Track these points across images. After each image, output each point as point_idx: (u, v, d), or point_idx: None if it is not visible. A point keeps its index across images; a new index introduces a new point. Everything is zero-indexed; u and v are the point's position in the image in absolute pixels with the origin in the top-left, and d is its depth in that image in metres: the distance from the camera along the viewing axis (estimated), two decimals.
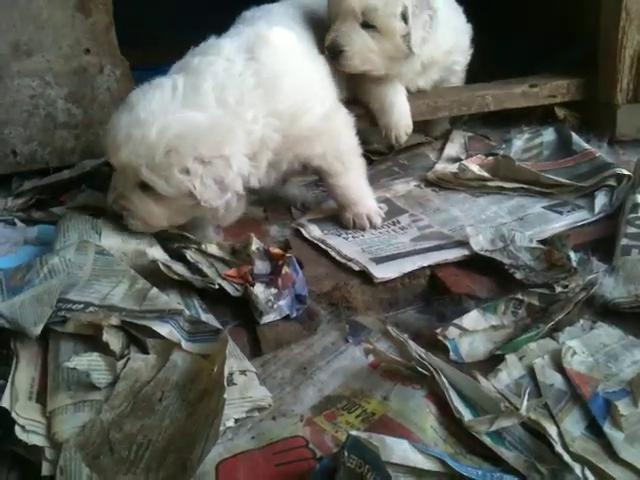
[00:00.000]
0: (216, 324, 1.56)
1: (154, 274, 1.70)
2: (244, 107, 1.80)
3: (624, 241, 1.80)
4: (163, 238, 1.93)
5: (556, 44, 2.69)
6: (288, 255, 1.76)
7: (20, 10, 2.20)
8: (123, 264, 1.69)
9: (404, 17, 2.10)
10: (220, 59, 1.85)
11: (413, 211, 2.15)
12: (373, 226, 2.06)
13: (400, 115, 2.32)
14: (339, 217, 2.11)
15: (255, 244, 1.79)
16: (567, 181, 2.11)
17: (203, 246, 1.81)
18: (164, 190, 1.74)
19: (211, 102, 1.77)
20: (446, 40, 2.33)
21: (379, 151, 2.51)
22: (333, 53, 2.12)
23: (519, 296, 1.61)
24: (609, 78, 2.41)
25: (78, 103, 2.30)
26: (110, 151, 1.77)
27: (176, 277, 1.68)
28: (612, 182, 2.06)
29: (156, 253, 1.81)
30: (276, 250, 1.79)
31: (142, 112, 1.73)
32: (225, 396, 1.22)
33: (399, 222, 2.10)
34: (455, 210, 2.12)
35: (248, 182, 1.86)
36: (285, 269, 1.72)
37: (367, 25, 2.11)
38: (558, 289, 1.60)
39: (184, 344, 1.43)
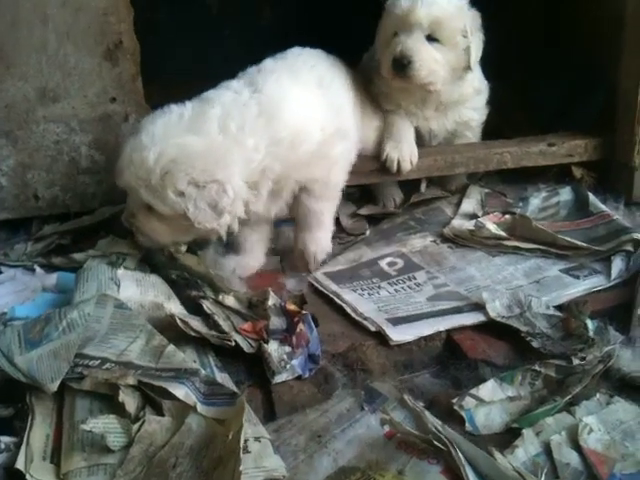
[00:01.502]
0: (231, 385, 1.56)
1: (170, 328, 1.71)
2: (245, 135, 1.89)
3: None
4: (182, 285, 1.96)
5: (577, 94, 2.70)
6: (304, 312, 1.77)
7: (48, 56, 2.23)
8: (141, 318, 1.70)
9: (464, 32, 2.24)
10: (229, 91, 1.98)
11: (429, 268, 2.15)
12: (315, 265, 2.15)
13: (408, 143, 2.38)
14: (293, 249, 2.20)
15: (272, 299, 1.80)
16: (584, 244, 2.11)
17: (220, 297, 1.83)
18: (162, 210, 1.85)
19: (213, 128, 1.87)
20: (478, 78, 2.44)
21: (388, 212, 2.53)
22: (401, 65, 2.20)
23: (536, 367, 1.60)
24: (627, 140, 2.41)
25: (102, 150, 2.32)
26: (117, 174, 1.90)
27: (192, 333, 1.69)
28: (629, 247, 2.06)
29: (173, 307, 1.83)
30: (292, 307, 1.79)
31: (145, 137, 1.85)
32: (241, 468, 1.21)
33: (415, 278, 2.11)
34: (471, 269, 2.12)
35: (249, 210, 1.94)
36: (300, 327, 1.74)
37: (431, 38, 2.21)
38: (575, 361, 1.59)
39: (199, 407, 1.43)
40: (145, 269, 1.98)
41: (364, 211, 2.53)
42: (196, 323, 1.72)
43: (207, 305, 1.80)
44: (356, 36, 2.93)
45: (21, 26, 2.19)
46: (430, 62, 2.22)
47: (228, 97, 1.95)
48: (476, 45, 2.29)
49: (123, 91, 2.28)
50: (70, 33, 2.20)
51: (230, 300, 1.84)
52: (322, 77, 2.18)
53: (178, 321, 1.69)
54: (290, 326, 1.75)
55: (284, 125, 1.94)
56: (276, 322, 1.76)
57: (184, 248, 2.04)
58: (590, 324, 1.73)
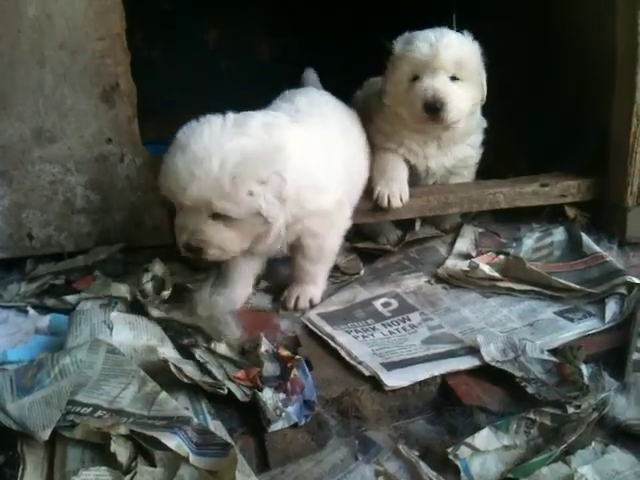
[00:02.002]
0: (224, 433, 1.55)
1: (163, 372, 1.70)
2: (287, 141, 1.95)
3: (635, 355, 1.79)
4: (174, 332, 1.96)
5: (571, 135, 2.73)
6: (297, 357, 1.76)
7: (45, 97, 2.25)
8: (133, 364, 1.70)
9: (479, 68, 2.37)
10: (266, 111, 2.08)
11: (424, 309, 2.15)
12: (311, 307, 2.18)
13: (399, 181, 2.42)
14: (287, 289, 2.23)
15: (265, 345, 1.80)
16: (577, 286, 2.11)
17: (212, 345, 1.83)
18: (237, 214, 1.86)
19: (259, 131, 1.91)
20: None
21: (384, 249, 2.54)
22: (434, 108, 2.25)
23: (531, 415, 1.59)
24: (620, 180, 2.43)
25: (97, 190, 2.33)
26: (177, 192, 1.87)
27: (185, 380, 1.68)
28: (622, 290, 2.06)
29: (166, 350, 1.82)
30: (285, 352, 1.79)
31: (197, 149, 1.84)
32: None
33: (409, 319, 2.10)
34: (466, 311, 2.12)
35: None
36: (294, 372, 1.72)
37: (453, 78, 2.30)
38: (570, 409, 1.58)
39: (192, 458, 1.42)
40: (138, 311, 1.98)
41: (361, 244, 2.55)
42: (189, 368, 1.72)
43: (199, 354, 1.80)
44: (351, 73, 3.00)
45: (18, 67, 2.22)
46: (458, 102, 2.30)
47: (267, 115, 2.03)
48: (484, 78, 2.38)
49: (119, 132, 2.30)
50: (67, 75, 2.23)
51: (222, 348, 1.84)
52: (344, 126, 2.31)
53: (171, 367, 1.68)
54: (284, 372, 1.74)
55: (316, 169, 2.02)
56: (269, 368, 1.75)
57: (167, 293, 2.09)
58: (585, 370, 1.72)
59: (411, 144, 2.47)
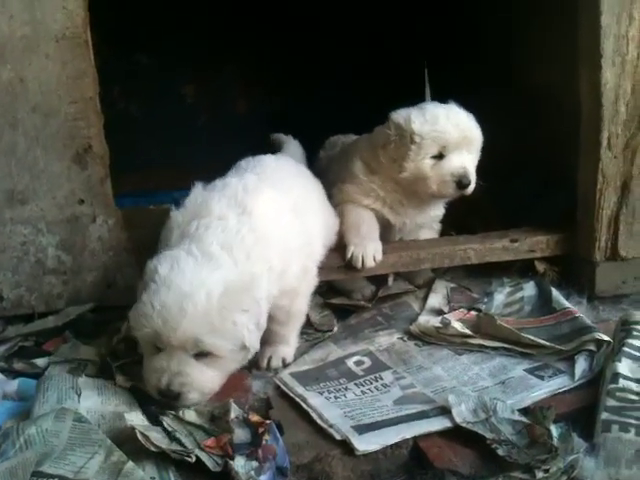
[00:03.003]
0: None
1: (131, 439, 1.68)
2: (252, 262, 1.93)
3: (604, 415, 1.78)
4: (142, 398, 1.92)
5: (543, 192, 2.79)
6: (268, 422, 1.75)
7: (17, 159, 2.26)
8: (100, 432, 1.68)
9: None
10: (213, 220, 1.97)
11: (396, 368, 2.14)
12: (284, 366, 2.18)
13: (373, 240, 2.46)
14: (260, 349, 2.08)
15: (234, 412, 1.78)
16: (547, 343, 2.12)
17: (181, 413, 1.80)
18: (225, 349, 1.84)
19: (228, 261, 1.89)
20: None
21: (358, 305, 2.55)
22: (464, 185, 2.41)
23: None
24: (587, 236, 2.47)
25: (68, 251, 2.33)
26: (165, 332, 1.79)
27: (153, 448, 1.65)
28: (592, 347, 2.08)
29: (135, 417, 1.79)
30: (255, 418, 1.77)
31: (184, 286, 1.81)
32: None
33: (382, 378, 2.10)
34: (438, 369, 2.12)
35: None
36: (265, 437, 1.71)
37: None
38: (539, 474, 1.58)
39: None
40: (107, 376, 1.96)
41: (335, 301, 2.56)
42: (157, 436, 1.69)
43: (167, 422, 1.77)
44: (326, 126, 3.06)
45: None
46: (474, 174, 2.45)
47: (217, 228, 1.94)
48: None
49: (91, 193, 2.30)
50: (39, 137, 2.25)
51: (191, 415, 1.81)
52: (297, 202, 2.22)
53: (139, 435, 1.66)
54: (255, 438, 1.72)
55: (274, 252, 1.99)
56: (240, 435, 1.73)
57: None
58: (554, 430, 1.72)
59: (396, 205, 2.54)
